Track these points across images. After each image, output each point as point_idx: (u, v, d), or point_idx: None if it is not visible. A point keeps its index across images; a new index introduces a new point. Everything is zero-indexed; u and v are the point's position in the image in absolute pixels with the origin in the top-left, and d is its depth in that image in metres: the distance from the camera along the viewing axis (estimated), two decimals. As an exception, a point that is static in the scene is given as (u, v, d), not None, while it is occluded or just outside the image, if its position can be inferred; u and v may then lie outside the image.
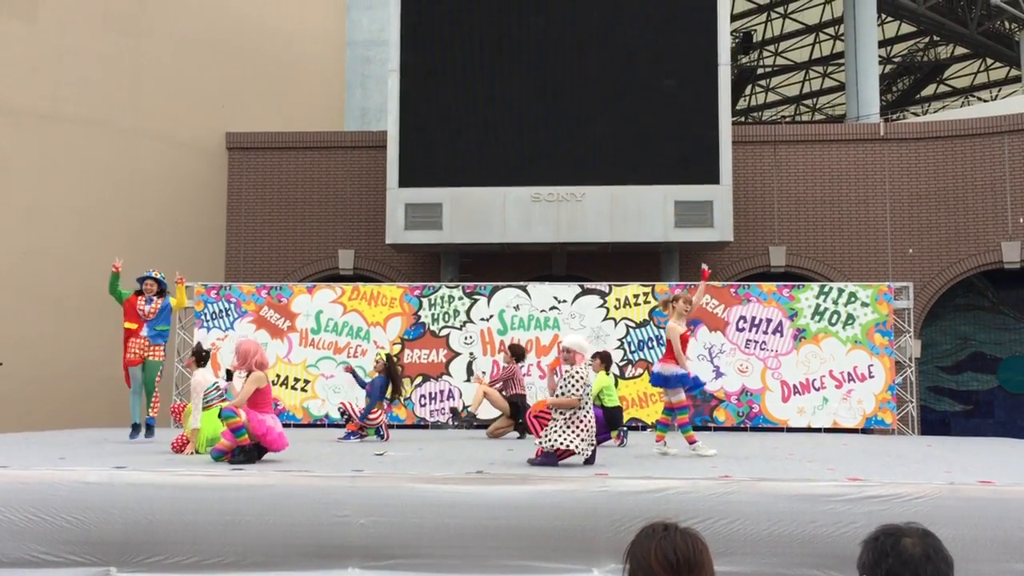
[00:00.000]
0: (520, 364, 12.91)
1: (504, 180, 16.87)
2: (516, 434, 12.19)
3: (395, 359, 12.70)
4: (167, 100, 18.82)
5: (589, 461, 7.45)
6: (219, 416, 7.91)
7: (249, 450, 7.54)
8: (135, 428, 10.55)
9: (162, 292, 10.75)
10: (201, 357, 9.63)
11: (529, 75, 17.04)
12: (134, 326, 10.53)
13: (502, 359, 13.77)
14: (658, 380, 9.15)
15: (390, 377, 11.71)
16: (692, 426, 9.12)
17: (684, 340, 8.95)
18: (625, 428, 11.22)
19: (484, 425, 13.09)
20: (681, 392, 8.92)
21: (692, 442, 8.83)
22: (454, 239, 17.11)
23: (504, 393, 12.33)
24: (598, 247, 17.42)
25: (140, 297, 10.63)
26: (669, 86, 16.92)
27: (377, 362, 11.99)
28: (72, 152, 17.57)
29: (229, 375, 9.11)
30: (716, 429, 14.71)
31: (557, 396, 7.54)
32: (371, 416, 11.42)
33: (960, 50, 33.36)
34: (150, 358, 10.54)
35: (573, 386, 7.45)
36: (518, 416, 12.00)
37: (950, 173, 18.19)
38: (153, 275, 10.75)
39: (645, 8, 17.14)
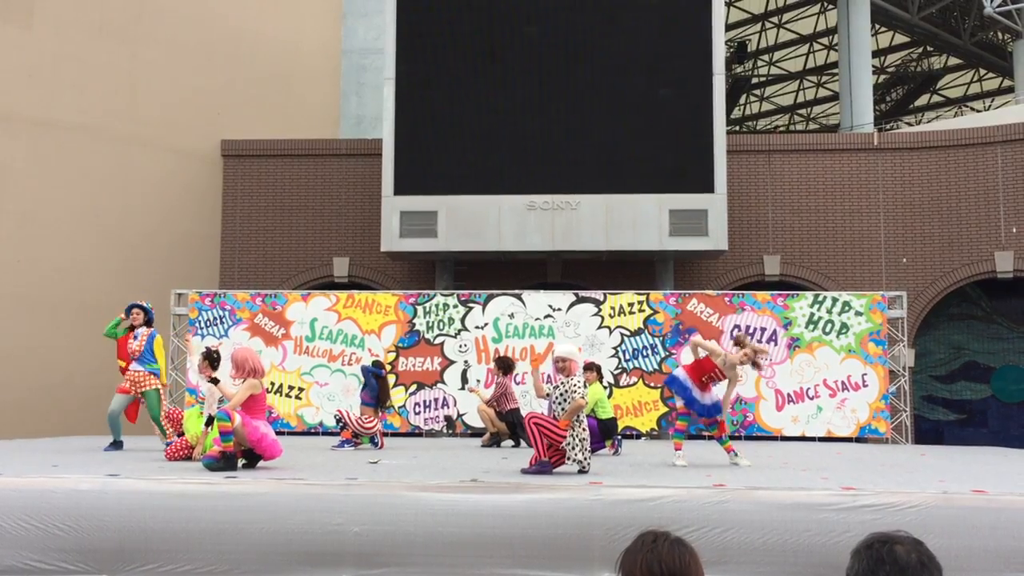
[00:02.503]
0: (514, 374, 12.90)
1: (499, 188, 16.88)
2: (512, 442, 12.20)
3: (384, 367, 12.69)
4: (163, 107, 18.82)
5: (584, 470, 7.47)
6: (215, 418, 7.91)
7: (231, 457, 7.52)
8: (115, 444, 10.57)
9: (149, 322, 10.83)
10: (213, 360, 9.64)
11: (524, 84, 17.07)
12: (124, 364, 10.76)
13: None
14: (671, 382, 9.21)
15: (380, 385, 11.77)
16: (686, 435, 9.19)
17: (706, 368, 8.96)
18: (619, 437, 11.23)
19: (479, 433, 13.08)
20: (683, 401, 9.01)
21: (677, 448, 8.95)
22: (449, 247, 17.11)
23: (498, 409, 12.34)
24: (593, 255, 17.44)
25: (130, 334, 10.80)
26: (664, 95, 16.97)
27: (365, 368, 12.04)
28: (67, 159, 17.56)
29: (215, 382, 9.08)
30: (710, 438, 14.67)
31: (562, 409, 7.56)
32: (367, 424, 11.43)
33: (953, 60, 33.52)
34: (147, 389, 10.63)
35: (576, 394, 7.51)
36: (515, 431, 12.02)
37: (943, 183, 18.25)
38: (140, 304, 10.83)
39: (639, 17, 17.18)
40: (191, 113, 19.18)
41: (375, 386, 11.69)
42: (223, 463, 7.42)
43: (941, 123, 27.39)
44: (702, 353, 9.28)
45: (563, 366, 7.70)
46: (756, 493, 5.94)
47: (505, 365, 12.65)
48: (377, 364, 12.37)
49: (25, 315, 16.79)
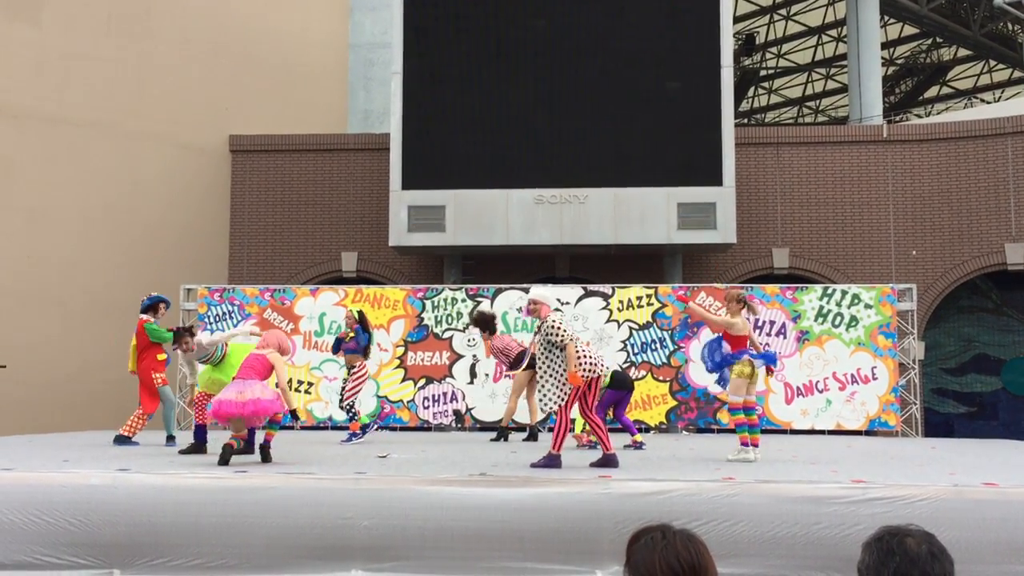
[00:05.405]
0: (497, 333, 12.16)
1: (507, 182, 16.87)
2: (523, 435, 12.18)
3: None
4: (171, 103, 18.85)
5: (598, 463, 7.42)
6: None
7: (228, 448, 7.53)
8: (171, 439, 10.83)
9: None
10: (185, 333, 10.28)
11: (532, 77, 17.03)
12: (164, 356, 11.03)
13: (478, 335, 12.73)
14: (716, 367, 8.65)
15: (367, 330, 11.54)
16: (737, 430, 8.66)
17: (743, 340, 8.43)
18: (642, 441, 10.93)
19: (487, 428, 13.05)
20: (742, 391, 8.41)
21: (744, 443, 8.41)
22: (457, 241, 17.10)
23: (515, 366, 11.62)
24: (601, 249, 17.41)
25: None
26: (672, 88, 16.91)
27: (348, 318, 11.69)
28: (76, 155, 17.60)
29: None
30: (719, 431, 14.68)
31: (545, 356, 7.52)
32: (357, 374, 11.38)
33: (963, 52, 33.33)
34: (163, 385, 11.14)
35: (559, 334, 7.43)
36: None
37: (953, 175, 18.16)
38: (164, 298, 11.32)
39: (647, 10, 17.13)
40: (199, 109, 19.21)
41: (363, 337, 11.45)
42: (226, 456, 7.40)
43: (951, 115, 27.26)
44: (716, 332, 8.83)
45: (534, 308, 7.80)
46: (766, 486, 5.93)
47: (484, 322, 11.88)
48: (360, 313, 11.67)
49: (34, 310, 16.85)
